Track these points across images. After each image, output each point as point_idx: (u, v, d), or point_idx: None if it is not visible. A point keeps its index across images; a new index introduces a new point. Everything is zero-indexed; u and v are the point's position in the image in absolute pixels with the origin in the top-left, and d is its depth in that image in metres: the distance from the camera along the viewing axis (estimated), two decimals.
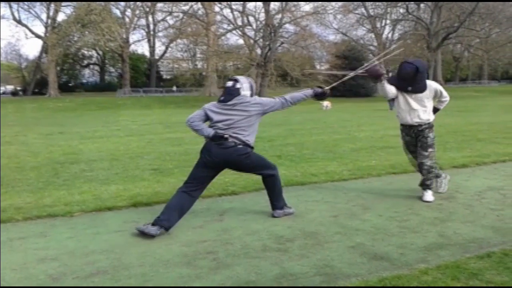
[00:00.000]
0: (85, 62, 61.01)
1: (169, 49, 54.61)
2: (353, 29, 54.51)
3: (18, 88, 55.71)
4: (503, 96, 36.22)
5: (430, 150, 5.07)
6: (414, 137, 5.15)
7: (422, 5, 48.39)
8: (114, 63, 61.66)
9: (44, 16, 45.98)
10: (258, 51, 37.73)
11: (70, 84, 58.15)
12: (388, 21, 55.93)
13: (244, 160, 4.35)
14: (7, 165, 7.95)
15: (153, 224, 4.08)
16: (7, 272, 3.36)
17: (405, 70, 4.88)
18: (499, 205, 4.83)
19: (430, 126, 5.08)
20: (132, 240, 4.00)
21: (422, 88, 4.95)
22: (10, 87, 58.38)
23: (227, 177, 5.93)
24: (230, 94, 4.35)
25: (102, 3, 40.18)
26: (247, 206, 4.92)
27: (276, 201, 4.61)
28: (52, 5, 42.96)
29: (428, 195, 5.09)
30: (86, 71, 63.88)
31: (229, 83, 4.43)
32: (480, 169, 6.81)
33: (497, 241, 3.76)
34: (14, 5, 42.50)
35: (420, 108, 4.99)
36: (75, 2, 42.73)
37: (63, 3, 43.81)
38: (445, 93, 5.13)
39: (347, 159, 7.83)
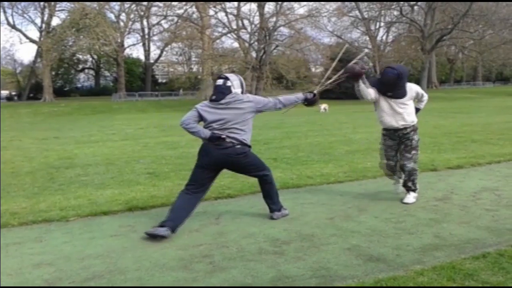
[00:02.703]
0: (80, 66, 60.76)
1: (164, 52, 54.61)
2: (348, 32, 54.65)
3: (13, 93, 55.48)
4: (497, 97, 36.36)
5: (413, 152, 5.07)
6: (397, 141, 5.11)
7: (416, 7, 48.60)
8: (109, 67, 61.46)
9: (38, 21, 45.72)
10: (253, 54, 37.69)
11: (65, 89, 57.77)
12: (382, 24, 56.14)
13: (242, 159, 4.32)
14: (3, 170, 7.92)
15: (161, 226, 4.09)
16: (3, 277, 3.35)
17: (387, 76, 4.87)
18: (494, 205, 4.86)
19: (414, 128, 5.08)
20: (128, 245, 4.00)
21: (402, 94, 4.96)
22: (5, 92, 58.15)
23: (223, 180, 5.93)
24: (222, 92, 4.26)
25: (97, 7, 40.08)
26: (243, 209, 4.92)
27: (274, 204, 4.60)
28: (47, 9, 42.80)
29: (410, 197, 5.09)
30: (81, 76, 63.58)
31: (219, 81, 4.35)
32: (475, 170, 6.84)
33: (492, 241, 3.79)
34: (8, 9, 42.26)
35: (404, 111, 4.98)
36: (69, 7, 42.61)
37: (57, 7, 43.65)
38: (425, 94, 5.22)
39: (343, 161, 7.85)
